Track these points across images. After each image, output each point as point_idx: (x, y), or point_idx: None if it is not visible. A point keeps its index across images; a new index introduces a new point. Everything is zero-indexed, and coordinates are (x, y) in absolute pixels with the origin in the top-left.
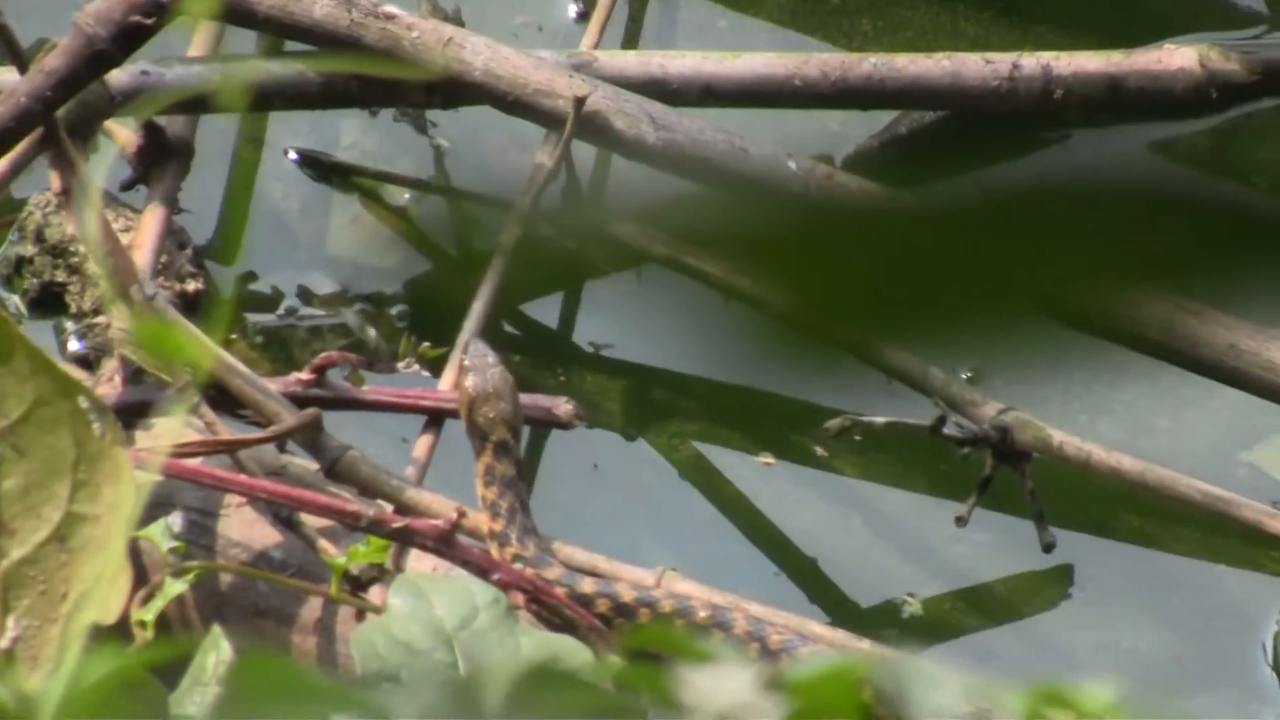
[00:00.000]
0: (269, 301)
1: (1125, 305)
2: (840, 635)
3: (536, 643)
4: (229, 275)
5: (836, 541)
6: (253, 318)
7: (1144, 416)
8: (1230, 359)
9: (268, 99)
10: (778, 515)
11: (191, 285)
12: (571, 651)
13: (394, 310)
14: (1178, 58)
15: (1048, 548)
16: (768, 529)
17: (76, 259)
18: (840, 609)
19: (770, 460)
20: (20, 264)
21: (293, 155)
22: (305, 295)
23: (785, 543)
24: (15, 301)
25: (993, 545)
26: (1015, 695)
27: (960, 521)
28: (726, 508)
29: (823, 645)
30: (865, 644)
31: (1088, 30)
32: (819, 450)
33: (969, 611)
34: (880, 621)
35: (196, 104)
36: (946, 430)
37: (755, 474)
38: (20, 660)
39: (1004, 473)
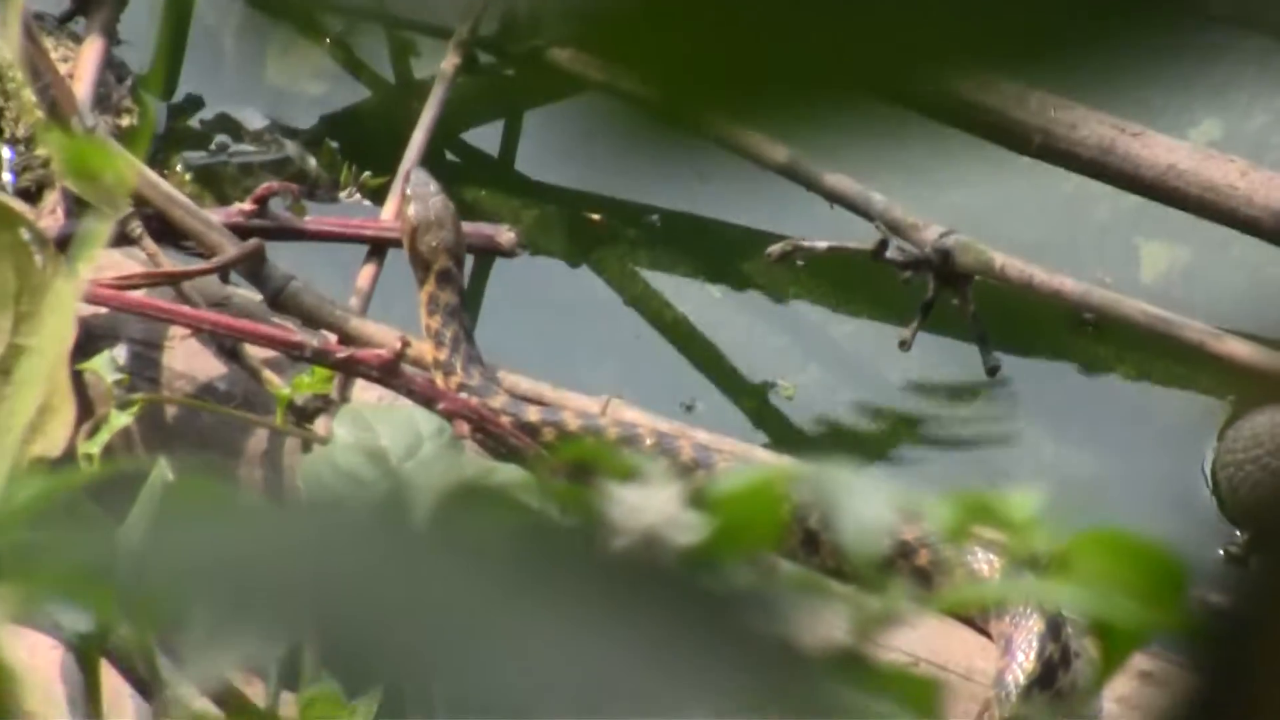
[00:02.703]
0: (200, 136)
1: (1064, 126)
2: (785, 460)
3: (481, 471)
4: (162, 108)
5: (782, 366)
6: (185, 154)
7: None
8: (1171, 179)
9: None
10: (722, 339)
11: (127, 120)
12: (510, 477)
13: (333, 140)
14: None
15: (992, 371)
16: (711, 353)
17: (13, 84)
18: (784, 435)
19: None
20: None
21: None
22: (236, 129)
23: (726, 365)
24: None
25: (937, 366)
26: (941, 506)
27: (904, 345)
28: (670, 332)
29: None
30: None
31: None
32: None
33: (905, 431)
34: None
35: None
36: (889, 254)
37: (700, 299)
38: None
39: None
